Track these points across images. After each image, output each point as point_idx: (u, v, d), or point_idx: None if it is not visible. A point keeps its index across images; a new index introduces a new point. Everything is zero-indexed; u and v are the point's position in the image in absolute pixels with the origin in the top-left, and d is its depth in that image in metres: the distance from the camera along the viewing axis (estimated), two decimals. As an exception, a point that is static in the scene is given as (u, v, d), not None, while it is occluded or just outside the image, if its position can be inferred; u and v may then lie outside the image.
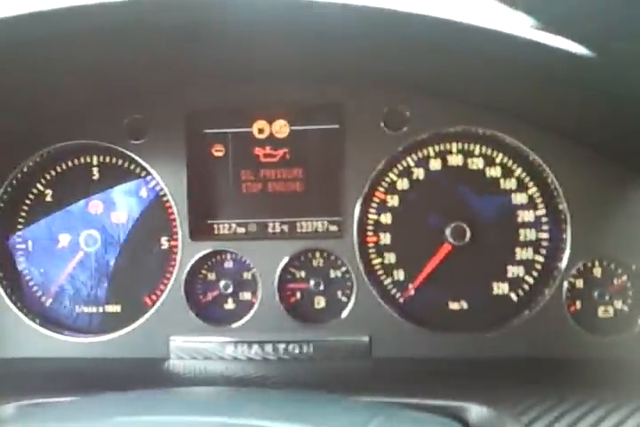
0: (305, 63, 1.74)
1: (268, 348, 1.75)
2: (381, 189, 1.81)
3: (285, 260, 1.80)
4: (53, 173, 1.91)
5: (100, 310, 1.89)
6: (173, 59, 1.68)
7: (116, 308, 1.89)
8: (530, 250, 1.77)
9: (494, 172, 1.78)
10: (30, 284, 1.91)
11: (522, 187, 1.77)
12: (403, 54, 1.56)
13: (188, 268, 1.82)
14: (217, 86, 1.84)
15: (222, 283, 1.84)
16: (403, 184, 1.81)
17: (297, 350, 1.75)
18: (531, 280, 1.77)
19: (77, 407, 1.20)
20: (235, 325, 1.80)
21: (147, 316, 1.82)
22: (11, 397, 1.40)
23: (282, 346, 1.75)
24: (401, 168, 1.81)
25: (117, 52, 1.56)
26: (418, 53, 1.52)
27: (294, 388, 1.52)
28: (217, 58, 1.70)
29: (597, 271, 1.73)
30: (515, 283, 1.77)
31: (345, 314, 1.77)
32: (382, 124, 1.77)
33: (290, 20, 1.39)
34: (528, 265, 1.77)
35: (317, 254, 1.83)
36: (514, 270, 1.77)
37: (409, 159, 1.80)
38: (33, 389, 1.45)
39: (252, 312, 1.79)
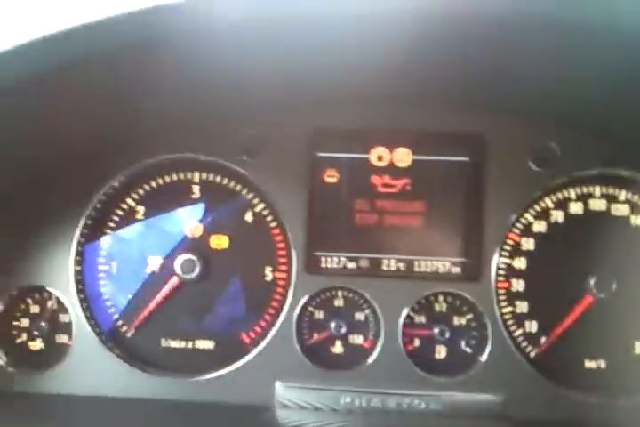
0: (443, 89, 1.60)
1: (391, 401, 1.56)
2: (516, 231, 1.66)
3: (411, 303, 1.62)
4: (148, 188, 1.71)
5: (190, 345, 1.68)
6: (301, 77, 1.52)
7: (209, 344, 1.68)
8: (677, 307, 1.63)
9: (640, 220, 1.65)
10: (111, 311, 1.69)
11: (670, 238, 1.64)
12: (558, 86, 1.44)
13: (300, 304, 1.63)
14: (339, 107, 1.68)
15: (333, 323, 1.65)
16: (540, 227, 1.66)
17: (423, 406, 1.56)
18: (678, 341, 1.62)
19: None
20: (351, 371, 1.61)
21: (249, 356, 1.61)
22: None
23: (406, 400, 1.56)
24: (539, 209, 1.66)
25: (246, 66, 1.41)
26: (575, 85, 1.39)
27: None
28: (347, 78, 1.55)
29: None
30: (660, 342, 1.62)
31: (478, 367, 1.59)
32: (530, 162, 1.63)
33: (434, 40, 1.25)
34: (675, 324, 1.63)
35: (441, 298, 1.66)
36: (658, 329, 1.63)
37: (547, 200, 1.66)
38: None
39: (371, 358, 1.61)
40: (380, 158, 1.71)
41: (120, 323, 1.69)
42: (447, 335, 1.62)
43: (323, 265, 1.69)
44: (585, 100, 1.48)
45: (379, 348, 1.61)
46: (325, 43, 1.29)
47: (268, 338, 1.62)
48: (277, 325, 1.62)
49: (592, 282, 1.60)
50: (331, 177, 1.71)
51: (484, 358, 1.60)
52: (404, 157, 1.71)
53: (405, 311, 1.62)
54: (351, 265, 1.69)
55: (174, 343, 1.68)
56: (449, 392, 1.57)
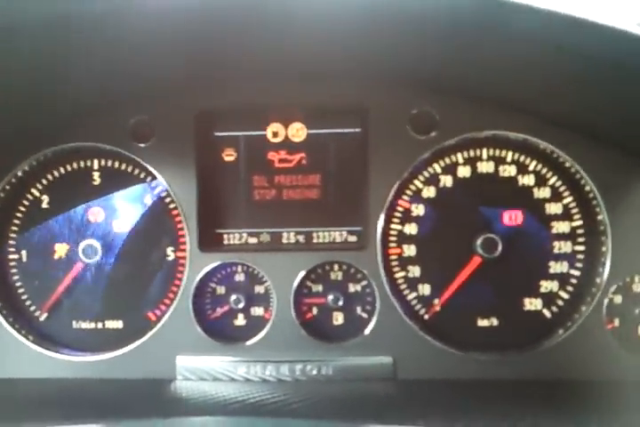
0: (325, 64, 1.62)
1: (284, 368, 1.62)
2: (405, 198, 1.69)
3: (302, 273, 1.67)
4: (50, 177, 1.77)
5: (100, 325, 1.75)
6: (185, 58, 1.55)
7: (118, 324, 1.75)
8: (565, 264, 1.65)
9: (527, 180, 1.66)
10: (23, 297, 1.77)
11: (556, 196, 1.65)
12: (433, 53, 1.45)
13: (196, 281, 1.68)
14: (230, 86, 1.71)
15: (233, 297, 1.70)
16: (429, 192, 1.69)
17: (315, 371, 1.62)
18: (566, 296, 1.65)
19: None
20: (247, 342, 1.67)
21: (151, 333, 1.68)
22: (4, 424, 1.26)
23: (299, 366, 1.62)
24: (427, 175, 1.68)
25: (125, 48, 1.43)
26: (449, 51, 1.40)
27: (315, 414, 1.40)
28: (231, 57, 1.58)
29: (638, 287, 1.61)
30: (548, 299, 1.65)
31: (367, 332, 1.64)
32: (409, 128, 1.65)
33: (311, 18, 1.27)
34: (563, 280, 1.65)
35: (336, 267, 1.70)
36: (547, 285, 1.65)
37: (436, 166, 1.68)
38: (26, 415, 1.32)
39: (265, 329, 1.66)
40: (275, 134, 1.75)
41: (32, 309, 1.76)
42: (341, 302, 1.67)
43: (225, 242, 1.74)
44: (465, 67, 1.49)
45: (272, 318, 1.66)
46: (216, 23, 1.32)
47: (168, 314, 1.68)
48: (176, 301, 1.68)
49: (478, 243, 1.63)
50: (229, 155, 1.76)
51: (372, 322, 1.64)
52: (298, 131, 1.74)
53: (297, 282, 1.66)
54: (252, 240, 1.74)
55: (85, 324, 1.75)
56: (340, 357, 1.62)
